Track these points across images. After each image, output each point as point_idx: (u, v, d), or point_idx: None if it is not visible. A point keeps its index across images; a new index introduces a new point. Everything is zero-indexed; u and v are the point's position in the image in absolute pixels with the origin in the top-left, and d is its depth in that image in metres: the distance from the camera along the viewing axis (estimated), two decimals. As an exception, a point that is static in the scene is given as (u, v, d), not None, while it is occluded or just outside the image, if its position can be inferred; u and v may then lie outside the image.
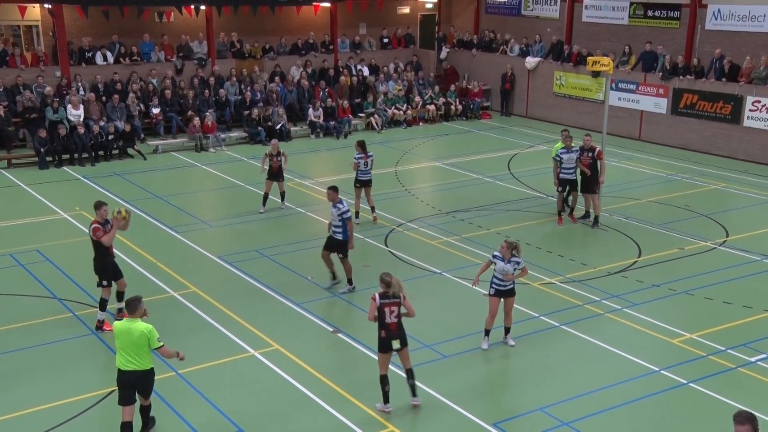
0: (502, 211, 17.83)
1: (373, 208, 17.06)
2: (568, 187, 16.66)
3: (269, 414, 9.84)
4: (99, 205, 11.68)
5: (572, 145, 16.60)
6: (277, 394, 10.28)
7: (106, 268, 11.88)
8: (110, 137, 22.42)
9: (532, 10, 29.54)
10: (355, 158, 16.77)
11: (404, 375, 9.90)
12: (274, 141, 18.29)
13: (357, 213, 16.82)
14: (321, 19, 29.36)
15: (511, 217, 17.36)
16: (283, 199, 17.95)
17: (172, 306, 12.91)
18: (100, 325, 11.94)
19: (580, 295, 13.21)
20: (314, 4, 28.29)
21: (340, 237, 13.11)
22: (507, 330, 11.51)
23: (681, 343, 11.57)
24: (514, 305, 11.45)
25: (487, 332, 11.39)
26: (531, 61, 28.22)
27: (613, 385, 10.43)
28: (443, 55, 31.08)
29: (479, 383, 10.55)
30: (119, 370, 8.79)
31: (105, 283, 11.90)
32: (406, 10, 31.73)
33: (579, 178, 16.50)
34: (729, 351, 11.28)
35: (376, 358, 11.04)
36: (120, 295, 12.04)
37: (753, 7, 22.79)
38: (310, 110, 25.82)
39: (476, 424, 9.54)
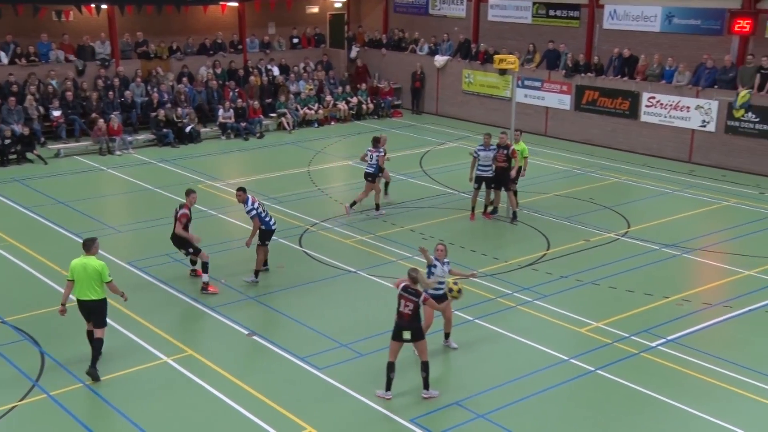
0: (416, 208, 18.02)
1: (353, 203, 17.26)
2: (483, 184, 16.98)
3: (184, 422, 9.65)
4: (189, 192, 13.46)
5: (491, 143, 16.92)
6: (192, 401, 10.08)
7: (183, 240, 13.22)
8: (7, 141, 21.45)
9: (439, 9, 29.95)
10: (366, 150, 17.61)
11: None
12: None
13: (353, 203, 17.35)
14: (229, 18, 28.93)
15: (425, 214, 17.57)
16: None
17: (77, 316, 12.44)
18: (205, 287, 13.24)
19: (493, 289, 13.50)
20: (221, 3, 27.84)
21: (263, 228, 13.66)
22: (447, 335, 11.45)
23: (588, 332, 11.98)
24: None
25: None
26: (440, 60, 28.63)
27: (525, 375, 10.71)
28: (353, 54, 31.15)
29: (396, 380, 10.59)
30: (78, 300, 10.52)
31: (191, 250, 13.32)
32: (315, 9, 31.64)
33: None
34: (632, 337, 11.76)
35: (292, 359, 11.07)
36: (204, 266, 13.31)
37: (645, 7, 23.82)
38: (220, 111, 25.43)
39: (394, 421, 9.62)
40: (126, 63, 26.20)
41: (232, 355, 11.36)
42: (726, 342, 11.74)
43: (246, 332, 11.95)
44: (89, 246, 10.45)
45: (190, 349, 11.33)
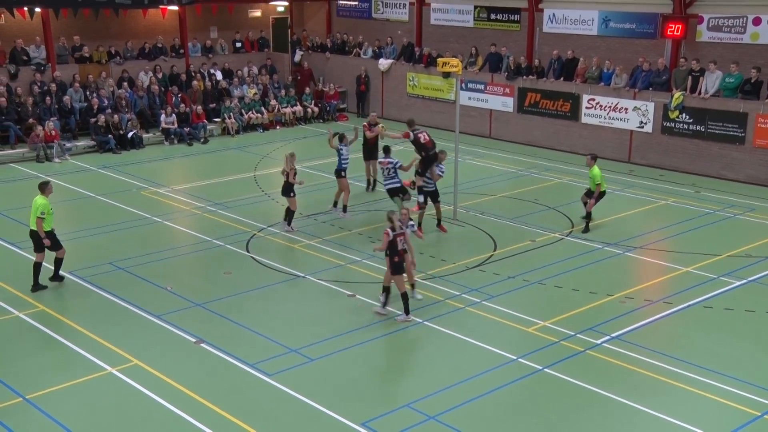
0: (362, 211, 18.03)
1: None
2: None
3: (131, 433, 9.47)
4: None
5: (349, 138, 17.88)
6: (140, 412, 9.88)
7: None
8: (-60, 150, 20.76)
9: (382, 13, 30.07)
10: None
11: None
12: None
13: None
14: (169, 22, 28.49)
15: (371, 217, 17.58)
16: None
17: (16, 328, 12.12)
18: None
19: (441, 291, 13.60)
20: (161, 7, 27.40)
21: None
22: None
23: (536, 331, 12.16)
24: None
25: None
26: (384, 63, 28.73)
27: (475, 376, 10.80)
28: (297, 58, 31.04)
29: (347, 384, 10.62)
30: (30, 229, 13.33)
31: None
32: (258, 13, 31.41)
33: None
34: (578, 335, 11.98)
35: (241, 366, 10.95)
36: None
37: (582, 11, 24.37)
38: (163, 116, 25.02)
39: (345, 425, 9.61)
40: (63, 68, 25.56)
41: (179, 363, 11.17)
42: (667, 337, 12.07)
43: (194, 340, 11.78)
44: (43, 188, 13.30)
45: (136, 359, 11.11)
